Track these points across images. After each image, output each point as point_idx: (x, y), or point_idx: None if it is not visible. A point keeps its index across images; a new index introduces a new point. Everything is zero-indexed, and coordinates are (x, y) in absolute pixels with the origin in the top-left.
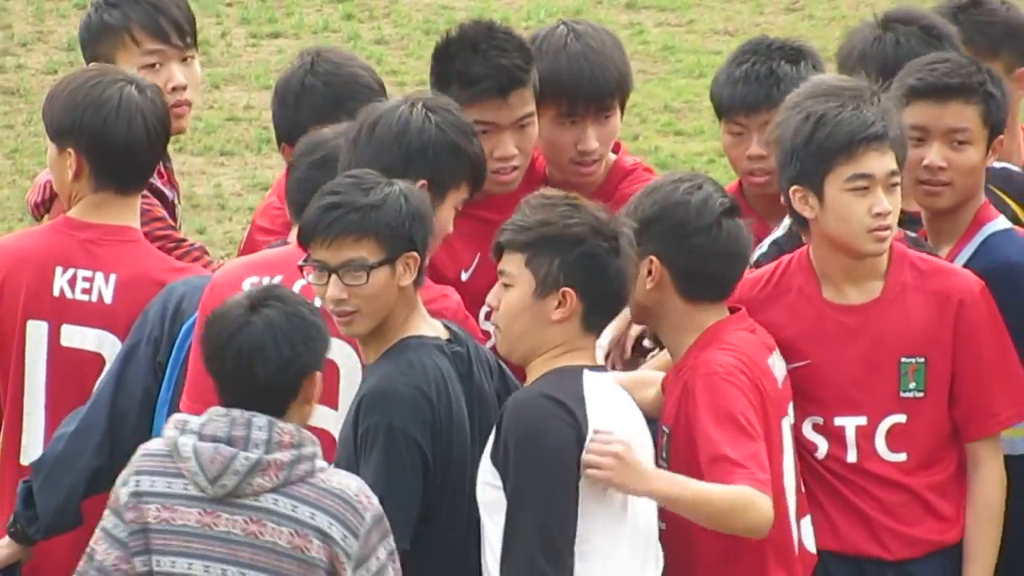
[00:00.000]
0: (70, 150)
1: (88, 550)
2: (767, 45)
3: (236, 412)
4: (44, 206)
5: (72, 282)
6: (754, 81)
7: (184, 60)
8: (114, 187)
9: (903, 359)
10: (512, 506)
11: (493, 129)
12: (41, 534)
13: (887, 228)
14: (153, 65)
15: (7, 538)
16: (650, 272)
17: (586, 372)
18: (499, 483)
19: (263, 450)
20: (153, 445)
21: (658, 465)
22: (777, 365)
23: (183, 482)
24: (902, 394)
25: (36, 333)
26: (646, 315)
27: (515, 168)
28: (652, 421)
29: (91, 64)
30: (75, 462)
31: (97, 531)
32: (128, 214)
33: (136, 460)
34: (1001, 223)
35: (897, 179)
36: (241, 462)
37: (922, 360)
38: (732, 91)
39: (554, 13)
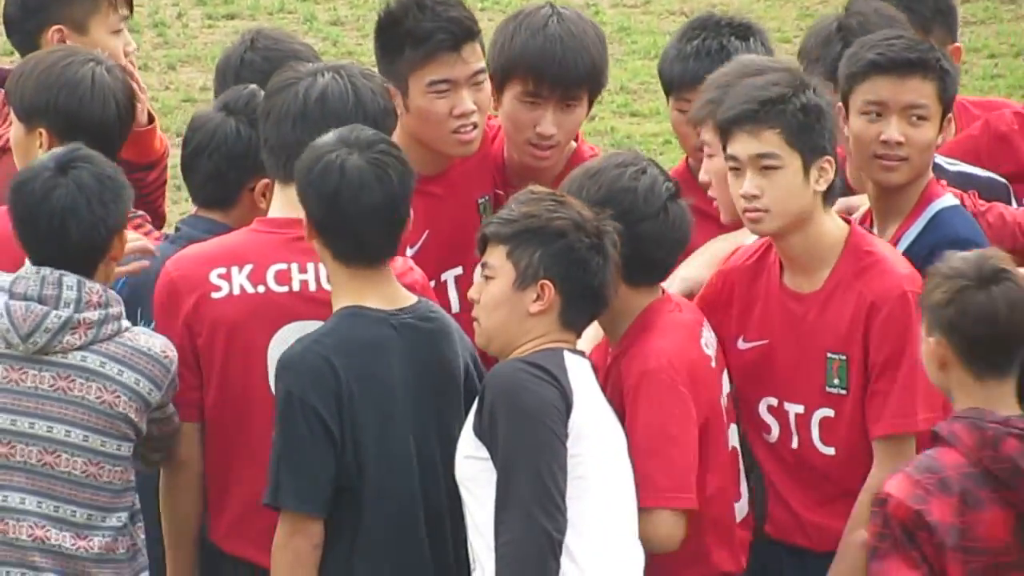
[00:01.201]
0: (41, 130)
1: None
2: (716, 21)
3: (46, 271)
4: None
5: None
6: (705, 56)
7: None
8: None
9: (829, 354)
10: (504, 465)
11: (451, 87)
12: None
13: (756, 211)
14: (119, 31)
15: None
16: None
17: (566, 352)
18: (483, 454)
19: (73, 309)
20: None
21: None
22: (709, 340)
23: None
24: (828, 389)
25: None
26: None
27: (475, 126)
28: None
29: (54, 44)
30: None
31: None
32: None
33: None
34: (949, 200)
35: (771, 161)
36: (52, 320)
37: (844, 358)
38: (683, 67)
39: None
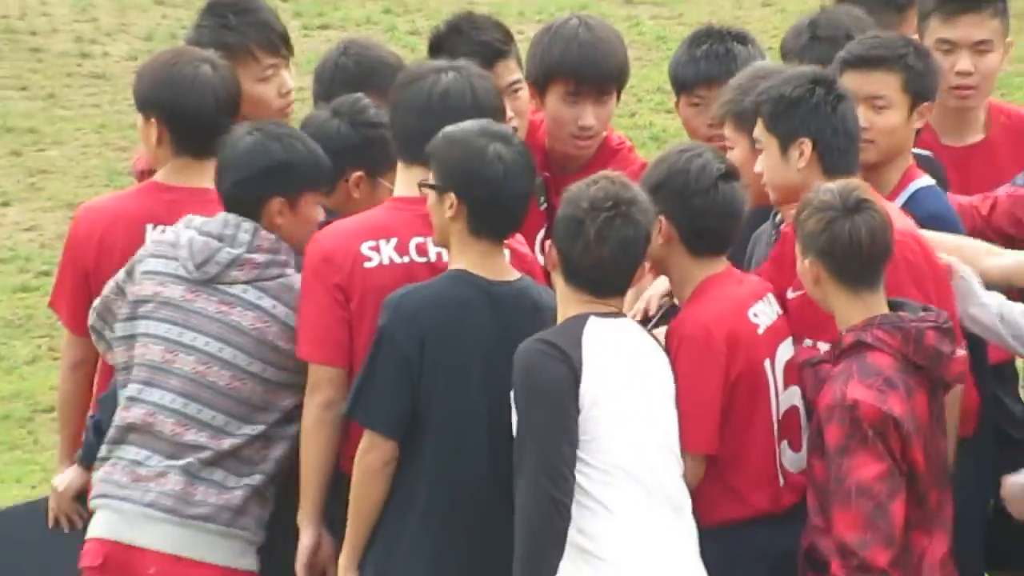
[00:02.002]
0: (153, 120)
1: (104, 298)
2: (718, 31)
3: (231, 216)
4: (148, 173)
5: None
6: (714, 59)
7: (287, 66)
8: (190, 152)
9: None
10: (519, 435)
11: None
12: None
13: (765, 186)
14: (265, 79)
15: (75, 467)
16: (660, 230)
17: (591, 318)
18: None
19: (244, 249)
20: (166, 236)
21: None
22: (764, 311)
23: (176, 264)
24: None
25: None
26: (659, 268)
27: (514, 129)
28: None
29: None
30: None
31: (114, 285)
32: (205, 177)
33: (152, 245)
34: (926, 180)
35: (758, 144)
36: (223, 255)
37: None
38: (696, 68)
39: (562, 8)
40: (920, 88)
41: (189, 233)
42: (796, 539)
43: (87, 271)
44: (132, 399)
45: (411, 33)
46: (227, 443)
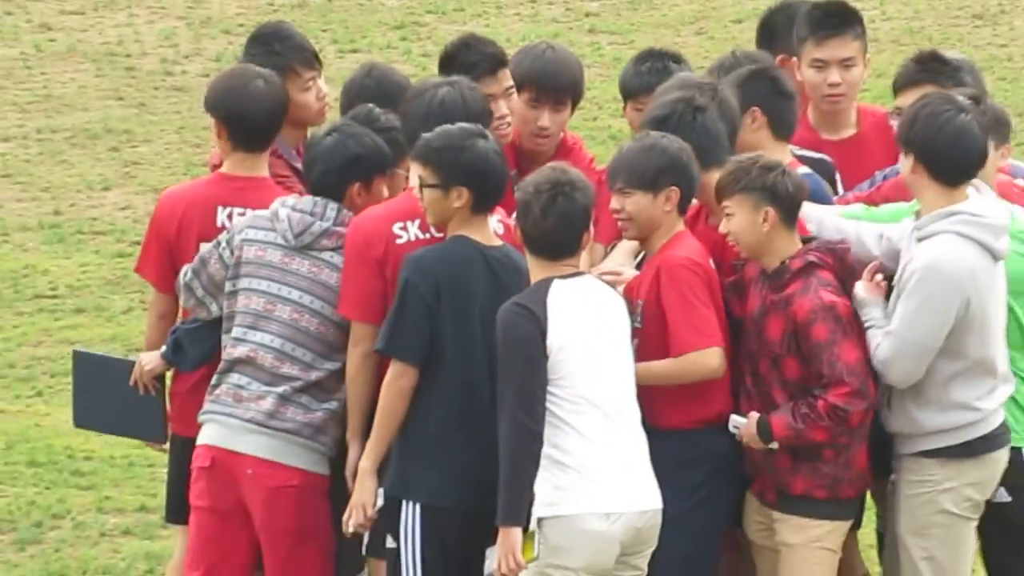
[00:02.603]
0: (215, 121)
1: (201, 259)
2: (659, 51)
3: (318, 198)
4: (220, 165)
5: (230, 217)
6: (654, 73)
7: (320, 76)
8: (243, 147)
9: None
10: (500, 380)
11: (491, 99)
12: (189, 370)
13: None
14: (307, 88)
15: (160, 359)
16: (668, 199)
17: (555, 281)
18: None
19: (331, 223)
20: (263, 212)
21: (633, 328)
22: (712, 265)
23: (275, 235)
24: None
25: None
26: (651, 226)
27: (509, 124)
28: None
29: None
30: (218, 327)
31: (211, 249)
32: (261, 168)
33: (249, 219)
34: (805, 171)
35: None
36: (316, 227)
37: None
38: (640, 80)
39: (540, 36)
40: (743, 100)
41: (286, 210)
42: (736, 442)
43: (170, 242)
44: (238, 339)
45: (423, 55)
46: (314, 375)
